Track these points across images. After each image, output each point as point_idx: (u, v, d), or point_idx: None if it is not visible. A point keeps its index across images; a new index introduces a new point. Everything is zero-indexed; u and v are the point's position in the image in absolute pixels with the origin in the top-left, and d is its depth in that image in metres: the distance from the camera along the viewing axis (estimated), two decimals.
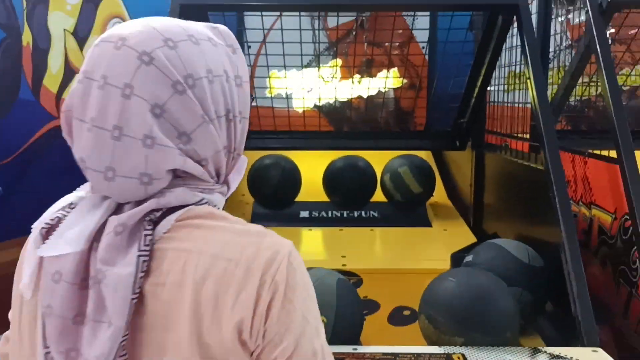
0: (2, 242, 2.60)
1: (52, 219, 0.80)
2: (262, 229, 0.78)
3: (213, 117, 0.77)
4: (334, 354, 0.83)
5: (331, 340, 1.33)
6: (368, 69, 3.47)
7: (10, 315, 0.91)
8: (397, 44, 3.55)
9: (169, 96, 0.74)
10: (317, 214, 2.67)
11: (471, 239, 2.41)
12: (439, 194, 2.87)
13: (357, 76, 3.51)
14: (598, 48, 1.86)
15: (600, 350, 1.47)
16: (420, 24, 3.48)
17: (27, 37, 2.65)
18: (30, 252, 0.79)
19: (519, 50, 2.36)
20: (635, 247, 1.60)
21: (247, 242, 0.75)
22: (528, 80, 1.89)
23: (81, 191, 0.83)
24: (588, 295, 1.54)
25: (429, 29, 3.47)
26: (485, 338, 1.47)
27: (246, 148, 0.87)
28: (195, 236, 0.74)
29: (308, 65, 3.26)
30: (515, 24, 2.02)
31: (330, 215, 2.68)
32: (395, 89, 3.56)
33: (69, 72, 2.88)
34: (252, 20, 3.47)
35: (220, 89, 0.78)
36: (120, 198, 0.76)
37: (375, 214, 2.70)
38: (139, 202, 0.76)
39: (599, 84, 2.05)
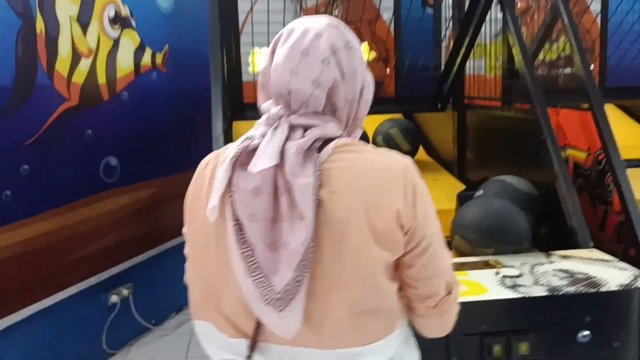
0: (31, 217, 2.81)
1: (236, 153, 1.11)
2: (387, 149, 1.14)
3: (357, 76, 1.13)
4: None
5: None
6: None
7: (185, 231, 1.23)
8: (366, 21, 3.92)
9: (341, 47, 1.12)
10: None
11: (460, 186, 2.84)
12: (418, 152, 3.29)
13: None
14: (565, 16, 2.29)
15: (594, 249, 1.93)
16: (385, 2, 3.87)
17: (40, 25, 2.83)
18: (220, 178, 1.10)
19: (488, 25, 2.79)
20: (609, 173, 2.05)
21: (385, 157, 1.11)
22: (510, 49, 2.32)
23: (247, 134, 1.16)
24: (580, 210, 1.99)
25: (394, 7, 3.87)
26: (509, 247, 1.90)
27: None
28: (350, 157, 1.09)
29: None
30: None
31: None
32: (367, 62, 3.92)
33: (76, 57, 3.07)
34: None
35: (362, 70, 1.15)
36: (293, 96, 1.11)
37: None
38: (304, 131, 1.10)
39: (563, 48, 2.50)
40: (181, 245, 1.29)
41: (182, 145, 3.95)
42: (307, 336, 1.09)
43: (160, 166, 3.76)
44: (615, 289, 1.56)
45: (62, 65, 2.98)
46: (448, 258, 1.17)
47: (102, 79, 3.28)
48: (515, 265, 1.79)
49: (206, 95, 4.32)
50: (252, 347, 1.13)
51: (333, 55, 1.11)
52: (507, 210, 1.93)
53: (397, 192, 1.07)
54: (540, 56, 2.98)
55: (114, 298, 3.33)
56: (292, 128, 1.11)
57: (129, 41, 3.49)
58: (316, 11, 3.78)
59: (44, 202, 2.89)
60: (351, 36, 1.15)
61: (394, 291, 1.13)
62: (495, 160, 2.66)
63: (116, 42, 3.38)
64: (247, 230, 1.07)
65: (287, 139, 1.10)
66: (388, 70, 3.88)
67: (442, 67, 3.65)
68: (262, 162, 1.07)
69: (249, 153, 1.11)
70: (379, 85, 4.04)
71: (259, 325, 1.12)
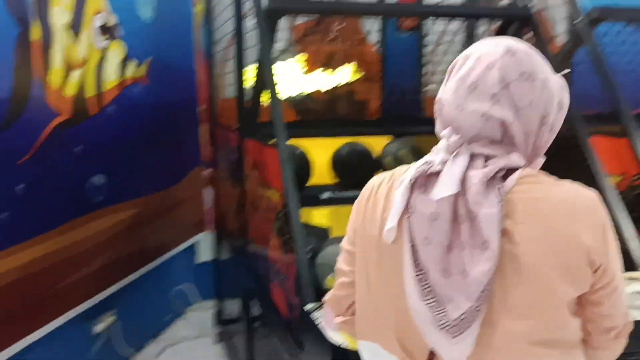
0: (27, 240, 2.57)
1: (414, 176, 1.09)
2: (570, 182, 1.12)
3: (535, 108, 1.10)
4: None
5: None
6: (330, 64, 3.79)
7: (348, 246, 1.27)
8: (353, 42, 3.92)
9: (515, 79, 1.07)
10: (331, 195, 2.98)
11: None
12: None
13: (319, 70, 3.83)
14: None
15: None
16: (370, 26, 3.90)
17: (36, 32, 2.62)
18: (399, 200, 1.10)
19: None
20: None
21: (573, 190, 1.09)
22: None
23: (426, 157, 1.13)
24: (635, 233, 2.07)
25: (381, 31, 3.89)
26: None
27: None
28: (536, 188, 1.07)
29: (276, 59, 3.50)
30: None
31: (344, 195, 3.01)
32: (352, 83, 3.93)
33: (68, 68, 2.86)
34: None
35: (546, 96, 1.10)
36: (464, 129, 1.09)
37: None
38: (486, 160, 1.08)
39: None
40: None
41: (164, 162, 3.78)
42: None
43: (144, 184, 3.57)
44: None
45: (54, 76, 2.76)
46: (625, 290, 1.17)
47: (90, 91, 3.07)
48: None
49: (190, 108, 4.20)
50: None
51: (504, 89, 1.07)
52: None
53: (588, 226, 1.05)
54: None
55: (99, 327, 3.10)
56: (472, 157, 1.09)
57: (116, 52, 3.30)
58: (305, 28, 3.73)
59: (36, 226, 2.65)
60: (531, 62, 1.10)
61: (576, 325, 1.11)
62: None
63: (104, 53, 3.18)
64: (421, 254, 1.08)
65: (468, 167, 1.07)
66: (375, 90, 3.88)
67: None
68: (444, 189, 1.06)
69: (427, 177, 1.10)
70: (362, 104, 4.05)
71: (432, 353, 1.11)
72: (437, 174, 1.09)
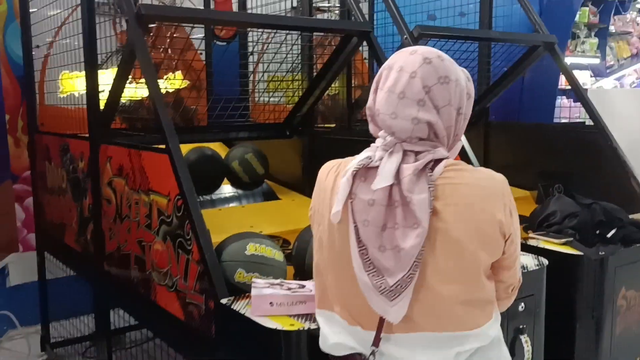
0: None
1: (357, 168, 1.32)
2: (485, 168, 1.42)
3: (452, 104, 1.38)
4: None
5: None
6: (158, 71, 3.77)
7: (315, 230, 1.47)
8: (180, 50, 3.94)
9: (434, 83, 1.33)
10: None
11: None
12: None
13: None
14: (138, 54, 2.18)
15: None
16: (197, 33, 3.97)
17: None
18: (343, 188, 1.32)
19: None
20: (187, 221, 1.98)
21: (488, 175, 1.38)
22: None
23: (366, 152, 1.36)
24: None
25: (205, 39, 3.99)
26: None
27: None
28: (459, 175, 1.35)
29: (100, 67, 3.43)
30: None
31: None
32: (180, 90, 3.95)
33: None
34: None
35: (459, 92, 1.37)
36: (398, 133, 1.33)
37: (235, 194, 3.20)
38: (416, 155, 1.33)
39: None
40: None
41: None
42: (424, 322, 1.31)
43: None
44: None
45: None
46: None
47: None
48: None
49: None
50: (377, 337, 1.33)
51: (427, 94, 1.31)
52: None
53: (500, 205, 1.33)
54: None
55: None
56: (405, 152, 1.32)
57: None
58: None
59: None
60: (445, 67, 1.33)
61: (491, 286, 1.39)
62: None
63: None
64: (362, 233, 1.31)
65: (402, 161, 1.31)
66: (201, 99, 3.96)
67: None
68: (382, 181, 1.30)
69: (367, 169, 1.33)
70: (190, 111, 4.09)
71: (381, 319, 1.32)
72: (376, 168, 1.31)
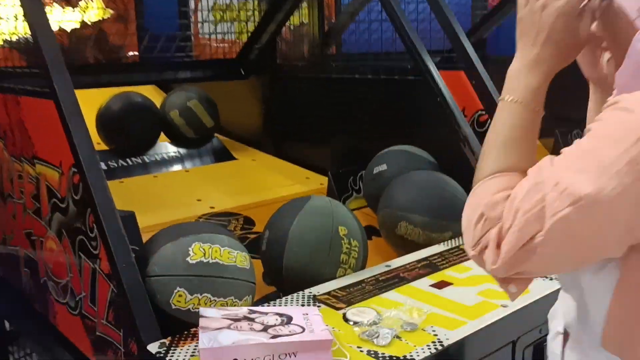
0: None
1: None
2: None
3: None
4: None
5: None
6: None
7: None
8: None
9: None
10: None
11: (284, 164, 2.42)
12: None
13: (54, 5, 2.92)
14: None
15: None
16: None
17: None
18: None
19: None
20: (89, 209, 1.22)
21: None
22: None
23: None
24: None
25: None
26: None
27: None
28: None
29: None
30: None
31: (116, 164, 2.26)
32: (102, 21, 3.10)
33: None
34: None
35: None
36: None
37: (176, 155, 2.42)
38: None
39: None
40: None
41: None
42: None
43: None
44: None
45: None
46: None
47: None
48: None
49: None
50: None
51: None
52: (452, 185, 1.62)
53: None
54: None
55: None
56: None
57: None
58: None
59: None
60: None
61: None
62: (332, 131, 2.31)
63: None
64: None
65: None
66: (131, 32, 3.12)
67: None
68: None
69: None
70: (118, 49, 3.25)
71: None
72: None
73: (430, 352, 1.02)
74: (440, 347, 1.04)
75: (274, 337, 0.96)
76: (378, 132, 2.07)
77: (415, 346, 1.04)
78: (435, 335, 1.08)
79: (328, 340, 0.96)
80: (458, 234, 1.58)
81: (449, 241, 1.57)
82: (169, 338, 1.08)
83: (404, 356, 1.00)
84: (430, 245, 1.55)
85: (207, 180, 2.29)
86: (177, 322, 1.13)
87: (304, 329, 1.00)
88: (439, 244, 1.55)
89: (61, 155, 1.30)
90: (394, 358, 1.00)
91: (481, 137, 1.92)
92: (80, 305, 1.33)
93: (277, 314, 1.06)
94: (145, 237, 1.51)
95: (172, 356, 1.02)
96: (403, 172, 1.75)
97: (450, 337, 1.07)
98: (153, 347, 1.05)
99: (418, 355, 1.00)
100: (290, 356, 0.95)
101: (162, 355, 1.03)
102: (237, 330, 0.98)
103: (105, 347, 1.23)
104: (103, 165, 2.21)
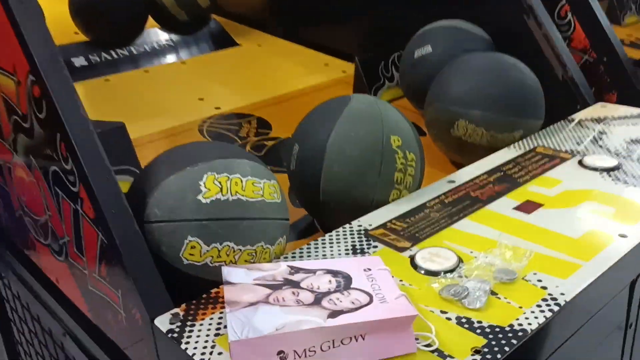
0: None
1: None
2: None
3: None
4: None
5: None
6: None
7: None
8: None
9: None
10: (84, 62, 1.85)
11: (296, 49, 2.05)
12: None
13: None
14: None
15: (606, 103, 1.44)
16: None
17: None
18: None
19: None
20: (57, 132, 0.90)
21: None
22: None
23: None
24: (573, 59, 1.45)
25: None
26: (538, 124, 1.28)
27: None
28: None
29: None
30: None
31: (99, 58, 1.89)
32: None
33: None
34: None
35: None
36: None
37: (168, 43, 2.04)
38: None
39: None
40: None
41: None
42: None
43: None
44: None
45: None
46: None
47: None
48: None
49: None
50: None
51: None
52: (520, 69, 1.28)
53: None
54: None
55: None
56: None
57: None
58: None
59: None
60: None
61: None
62: (355, 3, 1.91)
63: None
64: None
65: None
66: None
67: None
68: None
69: None
70: None
71: None
72: None
73: (544, 316, 0.74)
74: (555, 308, 0.76)
75: (333, 314, 0.68)
76: (416, 2, 1.68)
77: (521, 307, 0.76)
78: (544, 288, 0.80)
79: (411, 316, 0.68)
80: (531, 132, 1.27)
81: (520, 142, 1.25)
82: (184, 306, 0.80)
83: (511, 326, 0.73)
84: (496, 149, 1.23)
85: (208, 73, 1.93)
86: (188, 282, 0.85)
87: (371, 298, 0.71)
88: (507, 147, 1.24)
89: (13, 57, 0.96)
90: (498, 329, 0.72)
91: (560, 28, 1.56)
92: (65, 250, 1.05)
93: (328, 271, 0.77)
94: (139, 152, 1.21)
95: (189, 336, 0.75)
96: (454, 54, 1.40)
97: (566, 289, 0.79)
98: (163, 323, 0.78)
99: (530, 324, 0.73)
100: (356, 339, 0.67)
101: (175, 335, 0.75)
102: (279, 304, 0.70)
103: (102, 307, 0.96)
104: (83, 60, 1.86)
